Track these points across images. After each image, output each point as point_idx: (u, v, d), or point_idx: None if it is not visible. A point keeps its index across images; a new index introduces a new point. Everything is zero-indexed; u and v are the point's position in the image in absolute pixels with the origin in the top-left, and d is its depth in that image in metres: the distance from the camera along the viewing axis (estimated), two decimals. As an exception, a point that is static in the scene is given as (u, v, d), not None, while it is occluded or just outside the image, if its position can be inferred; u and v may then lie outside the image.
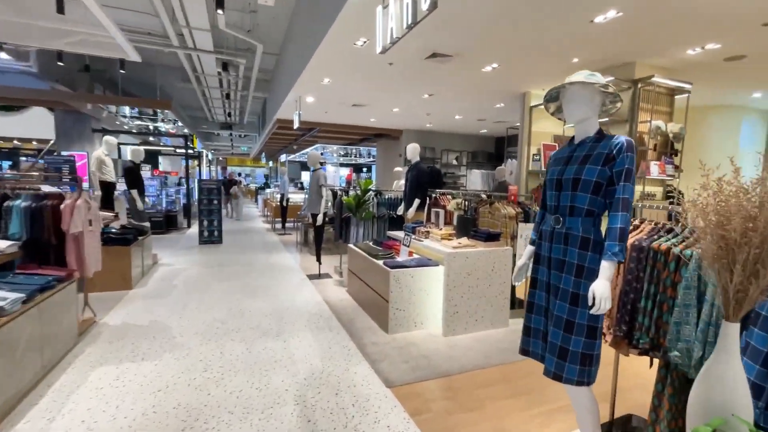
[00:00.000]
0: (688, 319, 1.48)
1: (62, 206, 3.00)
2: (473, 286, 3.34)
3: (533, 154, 6.14)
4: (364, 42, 4.22)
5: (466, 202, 4.22)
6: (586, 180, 1.47)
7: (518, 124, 6.56)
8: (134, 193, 5.45)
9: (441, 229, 3.83)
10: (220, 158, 29.23)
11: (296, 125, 7.48)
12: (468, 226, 3.71)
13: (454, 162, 11.58)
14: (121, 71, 6.93)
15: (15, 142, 11.61)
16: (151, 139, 14.55)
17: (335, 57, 4.81)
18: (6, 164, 12.25)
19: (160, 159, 19.93)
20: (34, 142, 11.20)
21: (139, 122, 12.17)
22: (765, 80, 5.24)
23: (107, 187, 5.66)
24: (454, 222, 4.20)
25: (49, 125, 8.97)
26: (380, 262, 3.47)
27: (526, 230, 3.64)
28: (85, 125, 9.22)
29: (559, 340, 1.47)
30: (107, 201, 5.67)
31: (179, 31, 6.40)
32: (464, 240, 3.50)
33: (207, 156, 20.65)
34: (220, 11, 4.92)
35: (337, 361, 2.79)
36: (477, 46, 4.26)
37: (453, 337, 3.27)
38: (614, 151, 1.44)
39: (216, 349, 2.94)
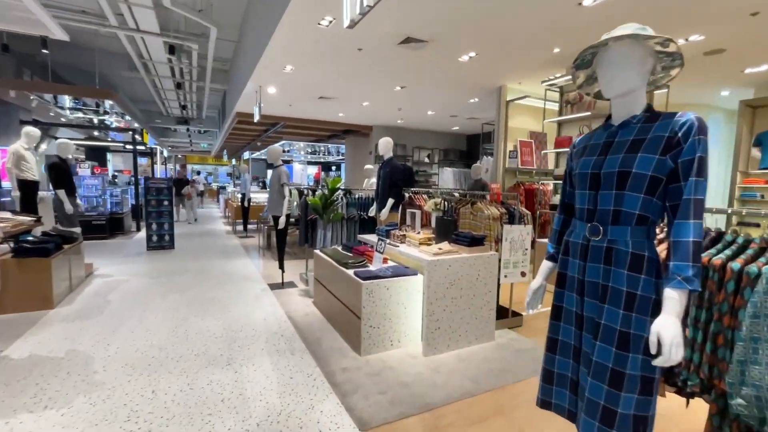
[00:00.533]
0: (758, 358, 1.13)
1: (-64, 211, 2.32)
2: (456, 297, 2.95)
3: (510, 151, 5.90)
4: (330, 21, 3.73)
5: (446, 202, 3.83)
6: (638, 174, 1.07)
7: (492, 120, 6.30)
8: (61, 193, 4.66)
9: (418, 233, 3.42)
10: (179, 156, 27.57)
11: (256, 118, 6.86)
12: (449, 229, 3.31)
13: (426, 160, 11.28)
14: (44, 50, 5.98)
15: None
16: (96, 133, 13.22)
17: (297, 39, 4.28)
18: None
19: (110, 156, 18.39)
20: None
21: (81, 114, 10.92)
22: (736, 77, 5.23)
23: (28, 187, 4.83)
24: (432, 224, 3.81)
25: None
26: (351, 272, 3.01)
27: (512, 233, 3.30)
28: (10, 116, 8.07)
29: (602, 398, 1.07)
30: (28, 203, 4.85)
31: (117, 8, 5.61)
32: (445, 245, 3.10)
33: (162, 153, 19.26)
34: (161, -17, 4.26)
35: (299, 396, 2.30)
36: (454, 31, 3.88)
37: (435, 356, 2.87)
38: (680, 134, 1.04)
39: (147, 386, 2.37)
